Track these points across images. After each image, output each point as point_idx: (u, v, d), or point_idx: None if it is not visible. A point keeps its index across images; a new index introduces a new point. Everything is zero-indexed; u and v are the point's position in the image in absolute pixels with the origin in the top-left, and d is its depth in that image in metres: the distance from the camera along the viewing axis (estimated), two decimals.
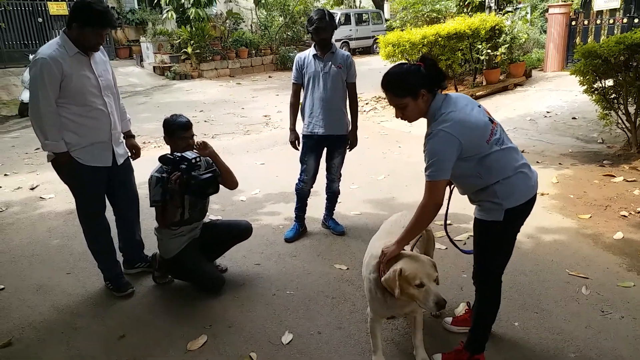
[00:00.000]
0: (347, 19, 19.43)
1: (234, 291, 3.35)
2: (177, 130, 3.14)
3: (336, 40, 20.16)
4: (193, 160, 2.97)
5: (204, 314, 3.10)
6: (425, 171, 2.16)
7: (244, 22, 17.63)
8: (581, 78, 5.83)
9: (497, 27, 9.37)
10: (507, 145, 2.23)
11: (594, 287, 3.18)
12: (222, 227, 3.54)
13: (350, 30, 19.59)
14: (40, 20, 15.04)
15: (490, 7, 10.85)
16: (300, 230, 4.18)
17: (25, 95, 9.83)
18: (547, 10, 11.54)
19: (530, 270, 3.42)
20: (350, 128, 3.99)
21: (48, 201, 5.19)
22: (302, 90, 3.96)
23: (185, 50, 14.70)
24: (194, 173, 2.97)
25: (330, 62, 3.79)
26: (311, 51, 3.86)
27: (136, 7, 17.46)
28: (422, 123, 2.29)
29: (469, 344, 2.49)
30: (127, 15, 16.90)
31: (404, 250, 2.32)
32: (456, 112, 2.14)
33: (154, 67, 15.18)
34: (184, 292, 3.36)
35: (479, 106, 2.26)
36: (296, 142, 4.05)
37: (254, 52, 16.30)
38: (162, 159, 3.07)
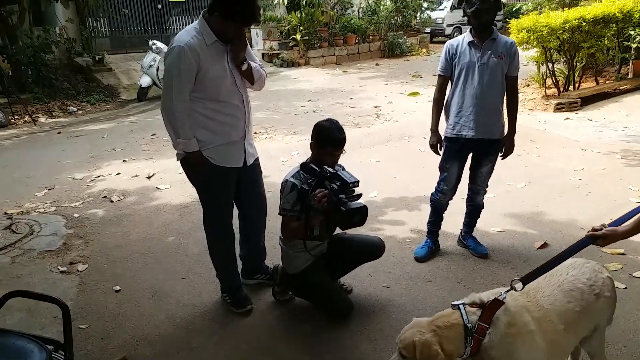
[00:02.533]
0: (459, 2, 18.10)
1: (362, 320, 2.87)
2: (328, 145, 2.70)
3: (447, 26, 19.19)
4: (351, 185, 2.48)
5: (332, 347, 2.66)
6: None
7: (351, 7, 17.06)
8: None
9: None
10: None
11: None
12: (352, 243, 3.05)
13: (462, 15, 18.24)
14: (159, 6, 15.58)
15: None
16: (433, 247, 3.60)
17: (144, 80, 10.15)
18: None
19: None
20: (505, 131, 3.32)
21: (164, 192, 5.08)
22: (449, 84, 3.35)
23: (294, 37, 14.50)
24: (342, 197, 2.48)
25: (489, 52, 3.13)
26: (466, 37, 3.23)
27: None
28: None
29: None
30: None
31: None
32: None
33: (262, 54, 15.14)
34: (307, 315, 2.94)
35: None
36: (438, 145, 3.45)
37: (360, 38, 15.73)
38: (305, 167, 2.65)
